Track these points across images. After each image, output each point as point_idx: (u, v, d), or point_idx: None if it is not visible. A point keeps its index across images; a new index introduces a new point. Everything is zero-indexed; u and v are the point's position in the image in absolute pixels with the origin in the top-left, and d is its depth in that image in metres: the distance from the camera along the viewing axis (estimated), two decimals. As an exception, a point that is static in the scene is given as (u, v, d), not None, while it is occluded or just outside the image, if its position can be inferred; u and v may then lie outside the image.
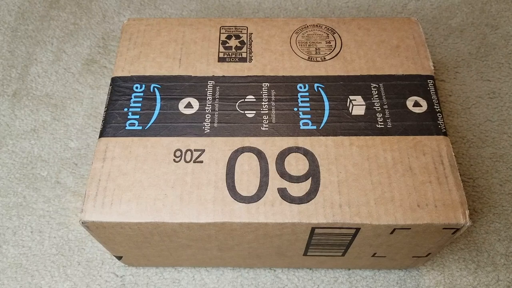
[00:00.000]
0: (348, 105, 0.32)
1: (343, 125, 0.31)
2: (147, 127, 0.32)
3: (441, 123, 0.31)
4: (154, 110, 0.32)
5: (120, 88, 0.33)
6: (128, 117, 0.32)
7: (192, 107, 0.32)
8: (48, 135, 0.44)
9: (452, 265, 0.37)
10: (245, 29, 0.36)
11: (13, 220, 0.39)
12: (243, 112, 0.32)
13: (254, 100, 0.33)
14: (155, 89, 0.33)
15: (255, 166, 0.30)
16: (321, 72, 0.34)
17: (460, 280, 0.37)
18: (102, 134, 0.31)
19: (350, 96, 0.33)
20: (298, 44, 0.36)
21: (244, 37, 0.36)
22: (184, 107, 0.32)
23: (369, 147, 0.30)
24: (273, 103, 0.33)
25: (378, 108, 0.32)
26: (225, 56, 0.35)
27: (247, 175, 0.29)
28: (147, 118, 0.32)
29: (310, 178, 0.29)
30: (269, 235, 0.30)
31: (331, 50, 0.35)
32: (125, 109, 0.32)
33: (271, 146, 0.31)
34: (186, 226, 0.29)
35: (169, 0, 0.53)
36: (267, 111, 0.32)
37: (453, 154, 0.30)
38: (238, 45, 0.36)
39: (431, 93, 0.33)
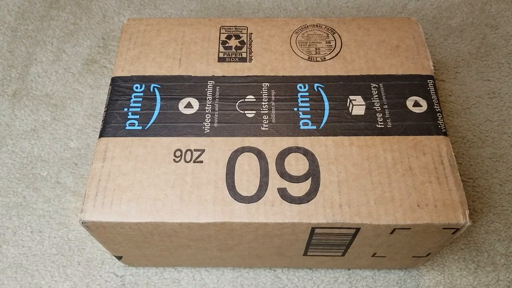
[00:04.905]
0: (348, 105, 0.32)
1: (343, 125, 0.31)
2: (147, 127, 0.32)
3: (441, 123, 0.31)
4: (154, 110, 0.32)
5: (120, 88, 0.33)
6: (128, 117, 0.32)
7: (192, 107, 0.32)
8: (48, 135, 0.44)
9: (452, 265, 0.37)
10: (245, 29, 0.36)
11: (13, 220, 0.39)
12: (243, 112, 0.32)
13: (254, 100, 0.33)
14: (155, 89, 0.33)
15: (255, 166, 0.30)
16: (321, 72, 0.34)
17: (460, 280, 0.37)
18: (102, 134, 0.31)
19: (350, 96, 0.33)
20: (298, 44, 0.36)
21: (244, 37, 0.36)
22: (184, 107, 0.32)
23: (369, 147, 0.30)
24: (273, 103, 0.33)
25: (378, 108, 0.32)
26: (225, 56, 0.35)
27: (247, 175, 0.29)
28: (147, 118, 0.32)
29: (310, 178, 0.29)
30: (269, 235, 0.30)
31: (331, 50, 0.35)
32: (125, 109, 0.32)
33: (271, 146, 0.31)
34: (186, 226, 0.29)
35: (169, 0, 0.53)
36: (267, 111, 0.32)
37: (453, 154, 0.30)
38: (238, 45, 0.36)
39: (431, 93, 0.33)
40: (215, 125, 0.32)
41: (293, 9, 0.53)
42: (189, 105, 0.33)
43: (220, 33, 0.36)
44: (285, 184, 0.29)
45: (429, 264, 0.37)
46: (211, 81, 0.34)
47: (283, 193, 0.29)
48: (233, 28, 0.37)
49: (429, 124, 0.31)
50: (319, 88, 0.33)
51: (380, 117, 0.32)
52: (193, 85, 0.33)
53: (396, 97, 0.33)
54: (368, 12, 0.52)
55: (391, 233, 0.29)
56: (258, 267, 0.37)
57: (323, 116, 0.32)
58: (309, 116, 0.32)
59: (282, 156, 0.30)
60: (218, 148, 0.31)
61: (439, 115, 0.32)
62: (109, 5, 0.53)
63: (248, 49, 0.35)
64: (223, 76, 0.34)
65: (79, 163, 0.42)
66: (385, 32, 0.36)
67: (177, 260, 0.35)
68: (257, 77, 0.34)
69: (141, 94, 0.33)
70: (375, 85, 0.33)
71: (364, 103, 0.33)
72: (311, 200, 0.29)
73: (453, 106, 0.45)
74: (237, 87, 0.33)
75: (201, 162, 0.30)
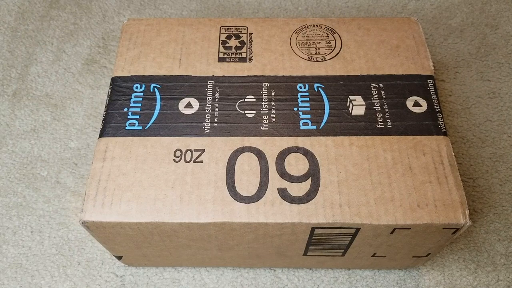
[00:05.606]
0: (348, 105, 0.32)
1: (343, 125, 0.31)
2: (147, 127, 0.32)
3: (441, 123, 0.31)
4: (154, 110, 0.32)
5: (120, 88, 0.33)
6: (128, 117, 0.32)
7: (192, 107, 0.32)
8: (48, 135, 0.44)
9: (452, 265, 0.37)
10: (245, 29, 0.36)
11: (13, 220, 0.39)
12: (243, 112, 0.32)
13: (254, 100, 0.33)
14: (155, 89, 0.33)
15: (255, 166, 0.30)
16: (321, 72, 0.34)
17: (460, 280, 0.37)
18: (102, 134, 0.31)
19: (350, 96, 0.33)
20: (298, 44, 0.36)
21: (244, 37, 0.36)
22: (184, 107, 0.32)
23: (369, 147, 0.30)
24: (273, 103, 0.33)
25: (378, 108, 0.32)
26: (225, 56, 0.35)
27: (247, 175, 0.29)
28: (147, 118, 0.32)
29: (310, 178, 0.29)
30: (269, 235, 0.30)
31: (331, 50, 0.35)
32: (125, 109, 0.32)
33: (271, 146, 0.31)
34: (186, 226, 0.29)
35: (169, 0, 0.53)
36: (267, 111, 0.32)
37: (453, 154, 0.30)
38: (238, 45, 0.36)
39: (431, 93, 0.33)
40: (215, 125, 0.32)
41: (293, 9, 0.53)
42: (189, 105, 0.33)
43: (220, 33, 0.36)
44: (285, 184, 0.29)
45: (429, 264, 0.37)
46: (211, 81, 0.34)
47: (283, 193, 0.29)
48: (233, 28, 0.37)
49: (429, 124, 0.31)
50: (319, 88, 0.33)
51: (380, 117, 0.32)
52: (193, 85, 0.33)
53: (396, 97, 0.33)
54: (368, 12, 0.52)
55: (391, 233, 0.29)
56: (258, 267, 0.37)
57: (323, 116, 0.32)
58: (309, 116, 0.32)
59: (282, 156, 0.30)
60: (218, 148, 0.31)
61: (439, 115, 0.32)
62: (109, 5, 0.53)
63: (248, 49, 0.35)
64: (223, 76, 0.34)
65: (79, 163, 0.42)
66: (385, 32, 0.36)
67: (177, 260, 0.35)
68: (257, 77, 0.34)
69: (141, 94, 0.33)
70: (375, 85, 0.33)
71: (364, 103, 0.33)
72: (311, 200, 0.29)
73: (453, 106, 0.45)
74: (237, 87, 0.33)
75: (201, 162, 0.30)
